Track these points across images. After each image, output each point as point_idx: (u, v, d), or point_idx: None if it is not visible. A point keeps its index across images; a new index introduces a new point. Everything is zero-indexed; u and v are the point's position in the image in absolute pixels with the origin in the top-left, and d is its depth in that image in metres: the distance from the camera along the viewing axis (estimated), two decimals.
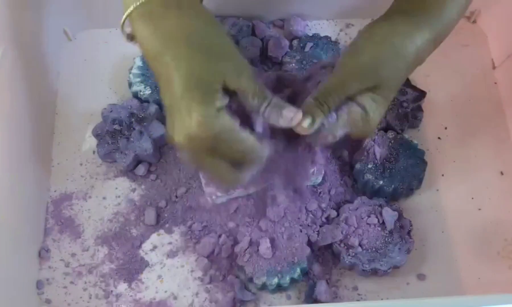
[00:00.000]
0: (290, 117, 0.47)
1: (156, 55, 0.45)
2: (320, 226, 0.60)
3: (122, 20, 0.47)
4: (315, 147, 0.53)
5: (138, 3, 0.45)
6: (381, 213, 0.59)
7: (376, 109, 0.49)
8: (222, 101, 0.45)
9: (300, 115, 0.47)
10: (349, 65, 0.48)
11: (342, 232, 0.58)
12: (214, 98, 0.44)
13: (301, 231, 0.59)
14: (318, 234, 0.59)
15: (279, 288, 0.58)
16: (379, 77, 0.47)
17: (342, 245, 0.58)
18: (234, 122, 0.45)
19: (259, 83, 0.47)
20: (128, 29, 0.48)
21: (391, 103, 0.65)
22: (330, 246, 0.60)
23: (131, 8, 0.46)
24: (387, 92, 0.49)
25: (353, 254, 0.58)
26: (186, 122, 0.44)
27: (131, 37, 0.48)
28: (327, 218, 0.61)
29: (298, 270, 0.57)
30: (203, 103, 0.44)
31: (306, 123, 0.47)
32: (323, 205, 0.61)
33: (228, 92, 0.46)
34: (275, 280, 0.56)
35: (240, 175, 0.47)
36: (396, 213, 0.59)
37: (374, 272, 0.58)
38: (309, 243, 0.59)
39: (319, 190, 0.62)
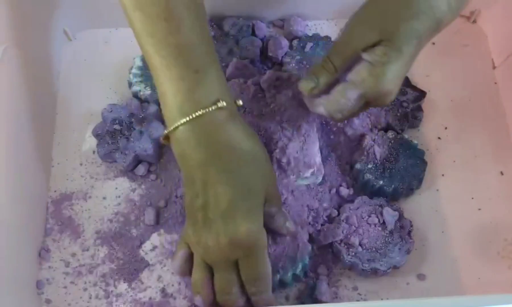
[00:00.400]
0: (291, 229, 0.54)
1: (202, 164, 0.49)
2: (322, 225, 0.60)
3: (168, 131, 0.50)
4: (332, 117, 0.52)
5: (191, 116, 0.48)
6: (381, 213, 0.59)
7: (385, 61, 0.46)
8: (263, 218, 0.50)
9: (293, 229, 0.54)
10: (352, 22, 0.47)
11: (342, 232, 0.58)
12: (261, 210, 0.49)
13: (302, 228, 0.59)
14: (319, 233, 0.60)
15: (282, 284, 0.58)
16: (383, 27, 0.45)
17: (342, 244, 0.58)
18: (266, 242, 0.50)
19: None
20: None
21: (391, 103, 0.66)
22: (330, 245, 0.60)
23: (184, 119, 0.48)
24: (398, 45, 0.46)
25: (353, 253, 0.58)
26: (230, 230, 0.47)
27: (167, 139, 0.52)
28: (328, 217, 0.61)
29: (300, 266, 0.57)
30: (254, 215, 0.48)
31: (310, 84, 0.48)
32: (325, 204, 0.61)
33: None
34: (277, 277, 0.56)
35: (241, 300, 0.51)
36: (396, 213, 0.59)
37: (374, 272, 0.58)
38: (310, 241, 0.59)
39: (320, 189, 0.61)
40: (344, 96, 0.49)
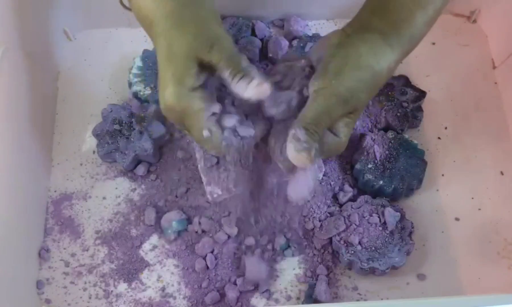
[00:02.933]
0: (254, 85, 0.46)
1: (149, 24, 0.48)
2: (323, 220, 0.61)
3: None
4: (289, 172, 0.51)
5: None
6: (383, 213, 0.59)
7: (348, 132, 0.49)
8: (196, 79, 0.46)
9: (265, 86, 0.46)
10: (331, 92, 0.47)
11: (343, 227, 0.59)
12: (186, 74, 0.46)
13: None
14: (320, 229, 0.60)
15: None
16: (359, 102, 0.48)
17: (342, 241, 0.58)
18: (203, 107, 0.47)
19: (236, 54, 0.47)
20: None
21: (391, 103, 0.66)
22: (330, 243, 0.60)
23: None
24: (360, 113, 0.50)
25: (352, 251, 0.58)
26: (162, 93, 0.47)
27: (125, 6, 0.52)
28: (330, 213, 0.61)
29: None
30: (175, 79, 0.46)
31: (307, 158, 0.46)
32: (329, 202, 0.61)
33: (206, 68, 0.47)
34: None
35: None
36: (398, 214, 0.59)
37: (372, 271, 0.58)
38: (311, 239, 0.60)
39: (321, 183, 0.62)
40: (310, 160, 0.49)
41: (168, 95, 0.46)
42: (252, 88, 0.46)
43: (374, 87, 0.49)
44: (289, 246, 0.60)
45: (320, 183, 0.62)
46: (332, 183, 0.62)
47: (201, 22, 0.47)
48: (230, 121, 0.48)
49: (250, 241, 0.60)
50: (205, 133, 0.47)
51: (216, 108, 0.48)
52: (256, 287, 0.59)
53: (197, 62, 0.46)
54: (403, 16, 0.49)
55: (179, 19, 0.47)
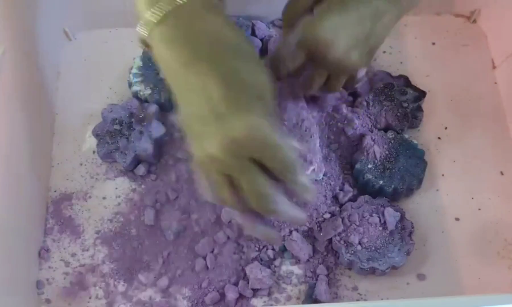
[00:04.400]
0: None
1: (187, 62, 0.42)
2: (322, 222, 0.60)
3: (140, 27, 0.44)
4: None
5: (166, 10, 0.43)
6: (383, 213, 0.59)
7: (325, 11, 0.45)
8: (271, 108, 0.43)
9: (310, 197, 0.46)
10: None
11: (343, 223, 0.58)
12: (261, 101, 0.42)
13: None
14: (320, 230, 0.60)
15: None
16: None
17: (342, 241, 0.58)
18: (280, 133, 0.43)
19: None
20: (142, 35, 0.45)
21: (391, 103, 0.66)
22: (330, 242, 0.60)
23: (152, 12, 0.43)
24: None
25: (352, 251, 0.58)
26: (229, 127, 0.41)
27: (146, 44, 0.46)
28: (331, 213, 0.61)
29: None
30: (252, 105, 0.41)
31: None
32: (329, 202, 0.61)
33: None
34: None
35: (275, 195, 0.44)
36: (398, 214, 0.59)
37: (372, 271, 0.58)
38: (311, 239, 0.60)
39: (320, 188, 0.62)
40: (284, 43, 0.47)
41: (245, 124, 0.41)
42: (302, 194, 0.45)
43: None
44: (286, 249, 0.60)
45: (320, 183, 0.62)
46: (332, 183, 0.62)
47: (255, 55, 0.46)
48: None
49: (249, 244, 0.60)
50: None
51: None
52: (257, 290, 0.59)
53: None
54: None
55: (243, 49, 0.44)
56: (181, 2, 0.42)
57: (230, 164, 0.42)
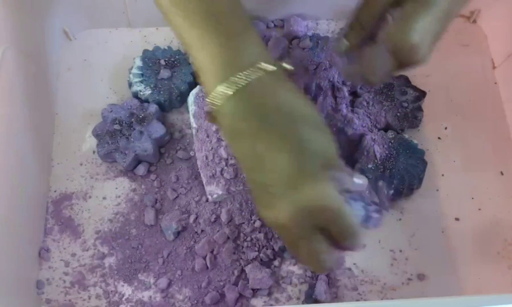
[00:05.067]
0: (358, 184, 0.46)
1: (257, 133, 0.44)
2: None
3: (211, 99, 0.46)
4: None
5: (237, 85, 0.44)
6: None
7: (411, 15, 0.45)
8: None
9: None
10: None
11: None
12: (326, 170, 0.44)
13: None
14: None
15: None
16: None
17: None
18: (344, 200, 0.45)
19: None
20: (213, 106, 0.46)
21: (391, 103, 0.66)
22: None
23: (229, 88, 0.44)
24: (426, 0, 0.46)
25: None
26: (296, 199, 0.43)
27: (213, 118, 0.47)
28: None
29: None
30: (318, 175, 0.43)
31: (342, 46, 0.48)
32: None
33: None
34: None
35: (334, 257, 0.46)
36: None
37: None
38: None
39: None
40: (374, 56, 0.48)
41: (313, 194, 0.43)
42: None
43: None
44: (286, 249, 0.61)
45: None
46: None
47: (321, 123, 0.46)
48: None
49: (249, 244, 0.60)
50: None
51: None
52: (257, 290, 0.59)
53: None
54: None
55: (309, 119, 0.45)
56: (254, 74, 0.44)
57: (297, 232, 0.45)
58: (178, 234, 0.61)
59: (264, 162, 0.44)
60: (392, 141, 0.63)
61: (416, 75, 0.69)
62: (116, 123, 0.64)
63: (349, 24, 0.50)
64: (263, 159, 0.44)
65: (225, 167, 0.58)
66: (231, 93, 0.44)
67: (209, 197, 0.59)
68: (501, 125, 0.68)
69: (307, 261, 0.47)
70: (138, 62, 0.68)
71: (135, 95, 0.67)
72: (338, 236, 0.45)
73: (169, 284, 0.60)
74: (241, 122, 0.45)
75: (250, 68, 0.44)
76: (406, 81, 0.68)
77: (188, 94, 0.65)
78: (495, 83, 0.71)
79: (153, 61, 0.68)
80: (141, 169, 0.64)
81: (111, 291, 0.59)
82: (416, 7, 0.45)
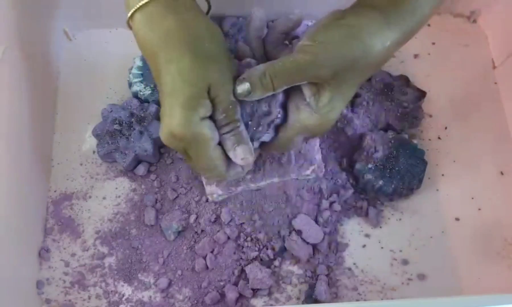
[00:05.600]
0: (240, 157, 0.48)
1: (152, 54, 0.47)
2: (323, 220, 0.61)
3: (127, 18, 0.48)
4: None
5: (139, 4, 0.47)
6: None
7: (329, 107, 0.46)
8: (206, 110, 0.46)
9: (250, 161, 0.48)
10: (310, 51, 0.45)
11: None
12: (198, 104, 0.45)
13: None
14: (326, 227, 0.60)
15: None
16: (339, 71, 0.45)
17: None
18: (211, 138, 0.46)
19: (235, 104, 0.47)
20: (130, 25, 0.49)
21: (391, 103, 0.66)
22: (329, 242, 0.60)
23: (134, 8, 0.47)
24: (343, 87, 0.46)
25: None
26: (168, 120, 0.46)
27: (130, 27, 0.50)
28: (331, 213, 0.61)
29: None
30: (186, 107, 0.45)
31: (241, 88, 0.47)
32: (331, 199, 0.62)
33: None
34: None
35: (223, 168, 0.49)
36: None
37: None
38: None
39: (320, 187, 0.62)
40: (291, 141, 0.49)
41: (177, 123, 0.45)
42: (238, 157, 0.48)
43: (364, 64, 0.45)
44: (286, 249, 0.61)
45: (320, 183, 0.62)
46: (332, 183, 0.62)
47: (218, 54, 0.47)
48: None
49: (249, 244, 0.60)
50: (214, 162, 0.48)
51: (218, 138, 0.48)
52: (257, 290, 0.59)
53: (207, 93, 0.46)
54: None
55: (194, 47, 0.46)
56: None
57: (174, 148, 0.48)
58: (178, 234, 0.61)
59: (160, 75, 0.46)
60: (392, 141, 0.63)
61: (416, 75, 0.69)
62: (116, 123, 0.64)
63: (259, 73, 0.47)
64: (160, 72, 0.46)
65: None
66: (145, 1, 0.46)
67: (209, 197, 0.59)
68: (501, 125, 0.68)
69: (197, 170, 0.51)
70: (138, 62, 0.68)
71: (135, 95, 0.67)
72: (195, 168, 0.49)
73: (169, 284, 0.60)
74: (145, 36, 0.47)
75: None
76: (406, 81, 0.68)
77: None
78: (495, 83, 0.71)
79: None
80: (141, 169, 0.64)
81: (111, 291, 0.60)
82: (334, 102, 0.47)
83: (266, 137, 0.50)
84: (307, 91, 0.47)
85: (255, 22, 0.53)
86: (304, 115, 0.47)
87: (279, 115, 0.49)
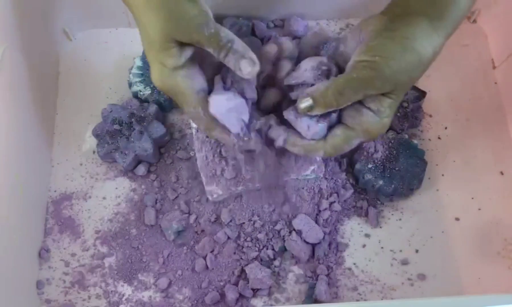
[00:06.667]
0: (246, 72, 0.47)
1: (134, 13, 0.48)
2: (324, 220, 0.61)
3: None
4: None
5: None
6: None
7: (390, 113, 0.48)
8: (177, 59, 0.47)
9: (257, 68, 0.47)
10: (372, 68, 0.46)
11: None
12: (165, 56, 0.47)
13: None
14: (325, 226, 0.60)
15: None
16: (399, 83, 0.47)
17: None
18: (188, 86, 0.48)
19: (216, 30, 0.46)
20: None
21: None
22: (329, 241, 0.60)
23: None
24: (401, 95, 0.48)
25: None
26: (151, 75, 0.49)
27: None
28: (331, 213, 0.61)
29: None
30: (156, 61, 0.47)
31: (304, 104, 0.47)
32: (331, 199, 0.62)
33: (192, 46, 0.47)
34: None
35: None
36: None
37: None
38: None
39: (320, 187, 0.62)
40: (348, 143, 0.49)
41: (154, 78, 0.48)
42: (245, 72, 0.47)
43: (419, 71, 0.47)
44: (286, 249, 0.61)
45: (320, 183, 0.62)
46: (332, 183, 0.62)
47: (174, 3, 0.47)
48: (228, 102, 0.48)
49: (249, 244, 0.60)
50: (196, 111, 0.49)
51: (202, 84, 0.49)
52: (257, 290, 0.59)
53: (175, 42, 0.46)
54: None
55: (152, 1, 0.46)
56: None
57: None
58: (178, 234, 0.61)
59: (141, 29, 0.48)
60: (392, 141, 0.63)
61: None
62: (116, 123, 0.64)
63: (322, 92, 0.48)
64: (140, 26, 0.48)
65: (225, 167, 0.58)
66: None
67: (209, 197, 0.59)
68: (501, 125, 0.68)
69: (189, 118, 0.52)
70: (138, 62, 0.68)
71: (135, 95, 0.67)
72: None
73: (169, 284, 0.60)
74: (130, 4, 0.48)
75: None
76: None
77: None
78: (495, 83, 0.71)
79: None
80: (141, 169, 0.64)
81: (111, 291, 0.59)
82: (393, 107, 0.48)
83: (321, 131, 0.49)
84: (370, 100, 0.48)
85: (287, 52, 0.54)
86: (366, 119, 0.48)
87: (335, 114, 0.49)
